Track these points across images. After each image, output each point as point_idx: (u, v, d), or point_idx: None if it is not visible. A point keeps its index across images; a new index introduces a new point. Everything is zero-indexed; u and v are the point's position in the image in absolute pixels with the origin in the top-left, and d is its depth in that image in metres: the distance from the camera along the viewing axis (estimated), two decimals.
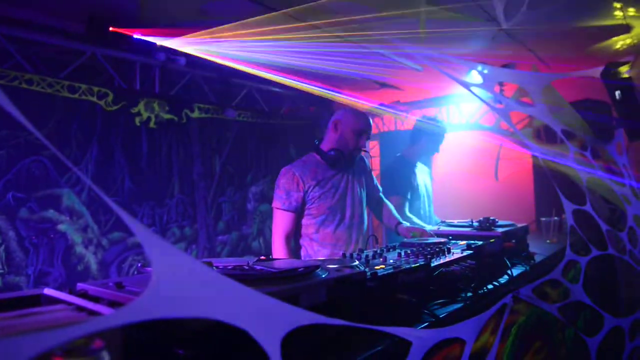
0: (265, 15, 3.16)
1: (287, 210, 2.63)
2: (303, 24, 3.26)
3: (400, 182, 3.56)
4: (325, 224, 2.67)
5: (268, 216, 5.38)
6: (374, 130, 7.20)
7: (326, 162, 2.74)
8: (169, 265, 0.67)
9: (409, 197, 3.52)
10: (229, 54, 3.66)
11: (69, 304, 0.96)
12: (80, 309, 0.92)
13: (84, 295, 1.09)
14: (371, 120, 2.87)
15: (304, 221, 2.70)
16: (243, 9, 3.27)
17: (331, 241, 2.67)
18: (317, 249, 2.67)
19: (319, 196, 2.65)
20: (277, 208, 2.66)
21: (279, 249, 2.63)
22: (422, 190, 3.68)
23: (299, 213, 2.66)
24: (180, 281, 0.67)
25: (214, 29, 3.26)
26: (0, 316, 0.86)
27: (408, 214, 3.43)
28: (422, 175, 3.78)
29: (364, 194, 2.89)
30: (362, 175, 2.93)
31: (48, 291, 1.09)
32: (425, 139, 3.76)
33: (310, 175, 2.67)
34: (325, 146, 2.79)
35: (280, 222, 2.65)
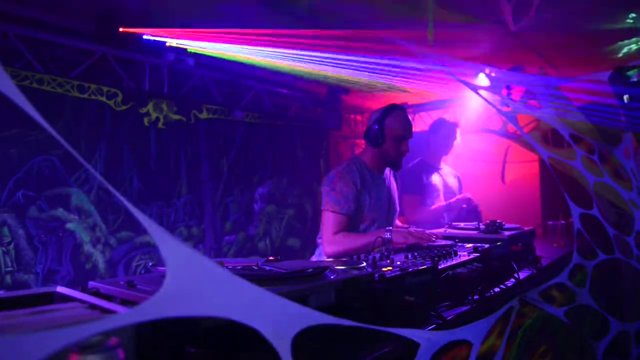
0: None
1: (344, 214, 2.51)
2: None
3: (410, 181, 3.62)
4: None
5: (274, 217, 5.40)
6: None
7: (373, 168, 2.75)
8: (182, 265, 0.69)
9: (420, 194, 3.59)
10: (237, 58, 3.67)
11: (83, 302, 0.98)
12: (93, 307, 0.93)
13: (96, 293, 1.11)
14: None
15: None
16: (259, 14, 3.28)
17: None
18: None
19: (367, 203, 2.59)
20: (330, 211, 2.51)
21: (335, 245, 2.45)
22: (438, 189, 3.71)
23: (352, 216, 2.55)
24: (194, 280, 0.69)
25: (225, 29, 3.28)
26: (15, 313, 0.88)
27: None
28: (441, 176, 3.81)
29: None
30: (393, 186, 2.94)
31: (61, 289, 1.10)
32: (434, 140, 3.83)
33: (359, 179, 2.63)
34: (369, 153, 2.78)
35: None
